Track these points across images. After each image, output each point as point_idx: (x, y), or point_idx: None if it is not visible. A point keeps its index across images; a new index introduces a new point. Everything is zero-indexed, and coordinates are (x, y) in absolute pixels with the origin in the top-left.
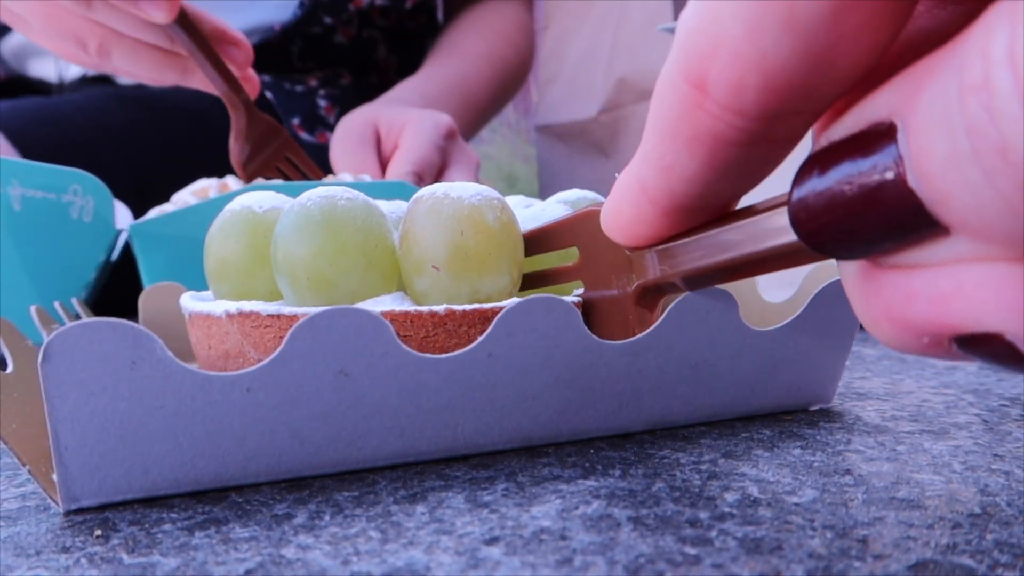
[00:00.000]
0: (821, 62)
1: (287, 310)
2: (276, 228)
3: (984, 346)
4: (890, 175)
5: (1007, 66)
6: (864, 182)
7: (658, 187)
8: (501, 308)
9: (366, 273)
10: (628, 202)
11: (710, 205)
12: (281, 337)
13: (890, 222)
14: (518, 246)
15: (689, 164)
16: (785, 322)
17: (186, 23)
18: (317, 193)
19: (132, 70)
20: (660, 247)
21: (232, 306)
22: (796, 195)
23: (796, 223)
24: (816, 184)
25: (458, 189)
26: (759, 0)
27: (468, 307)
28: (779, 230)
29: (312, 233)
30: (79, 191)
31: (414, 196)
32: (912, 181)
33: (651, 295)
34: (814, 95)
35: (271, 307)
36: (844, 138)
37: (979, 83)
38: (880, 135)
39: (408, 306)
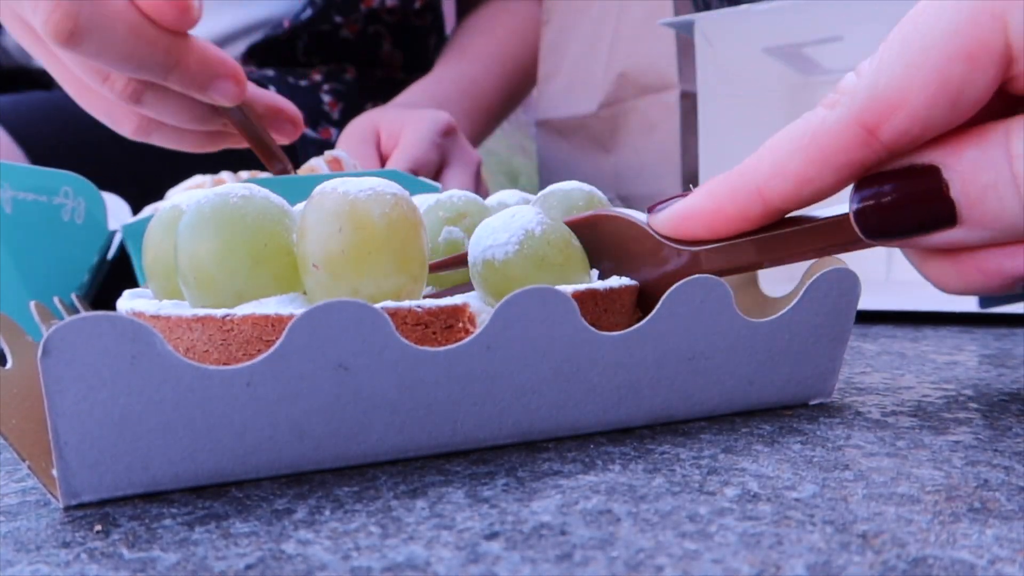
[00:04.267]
0: (953, 120)
1: (165, 312)
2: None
3: None
4: (936, 187)
5: None
6: (916, 190)
7: (785, 195)
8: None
9: (252, 272)
10: (735, 204)
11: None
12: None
13: (927, 217)
14: (412, 244)
15: (829, 182)
16: (779, 313)
17: (243, 105)
18: (215, 191)
19: (170, 145)
20: (737, 240)
21: (129, 305)
22: (859, 198)
23: (859, 219)
24: (877, 192)
25: (352, 183)
26: (938, 84)
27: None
28: (835, 227)
29: (200, 232)
30: (70, 193)
31: (314, 190)
32: (954, 193)
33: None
34: (931, 137)
35: (153, 307)
36: (898, 168)
37: (1020, 153)
38: (926, 168)
39: (298, 307)
